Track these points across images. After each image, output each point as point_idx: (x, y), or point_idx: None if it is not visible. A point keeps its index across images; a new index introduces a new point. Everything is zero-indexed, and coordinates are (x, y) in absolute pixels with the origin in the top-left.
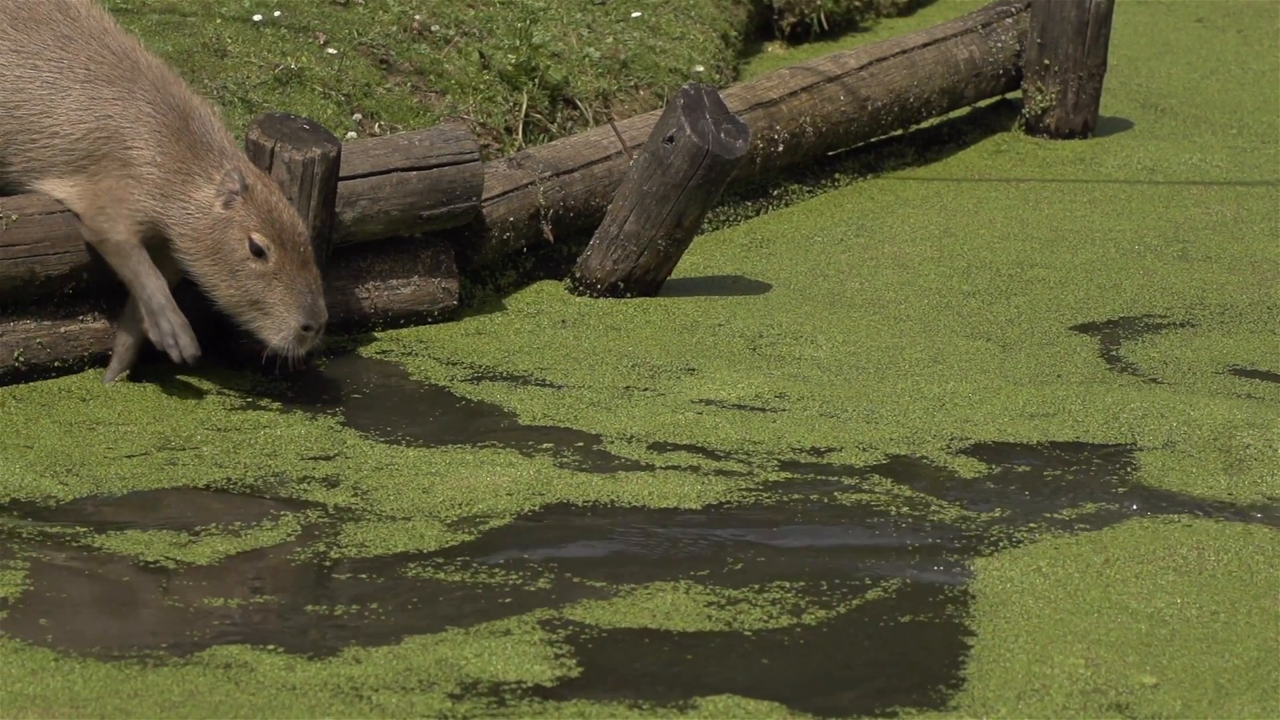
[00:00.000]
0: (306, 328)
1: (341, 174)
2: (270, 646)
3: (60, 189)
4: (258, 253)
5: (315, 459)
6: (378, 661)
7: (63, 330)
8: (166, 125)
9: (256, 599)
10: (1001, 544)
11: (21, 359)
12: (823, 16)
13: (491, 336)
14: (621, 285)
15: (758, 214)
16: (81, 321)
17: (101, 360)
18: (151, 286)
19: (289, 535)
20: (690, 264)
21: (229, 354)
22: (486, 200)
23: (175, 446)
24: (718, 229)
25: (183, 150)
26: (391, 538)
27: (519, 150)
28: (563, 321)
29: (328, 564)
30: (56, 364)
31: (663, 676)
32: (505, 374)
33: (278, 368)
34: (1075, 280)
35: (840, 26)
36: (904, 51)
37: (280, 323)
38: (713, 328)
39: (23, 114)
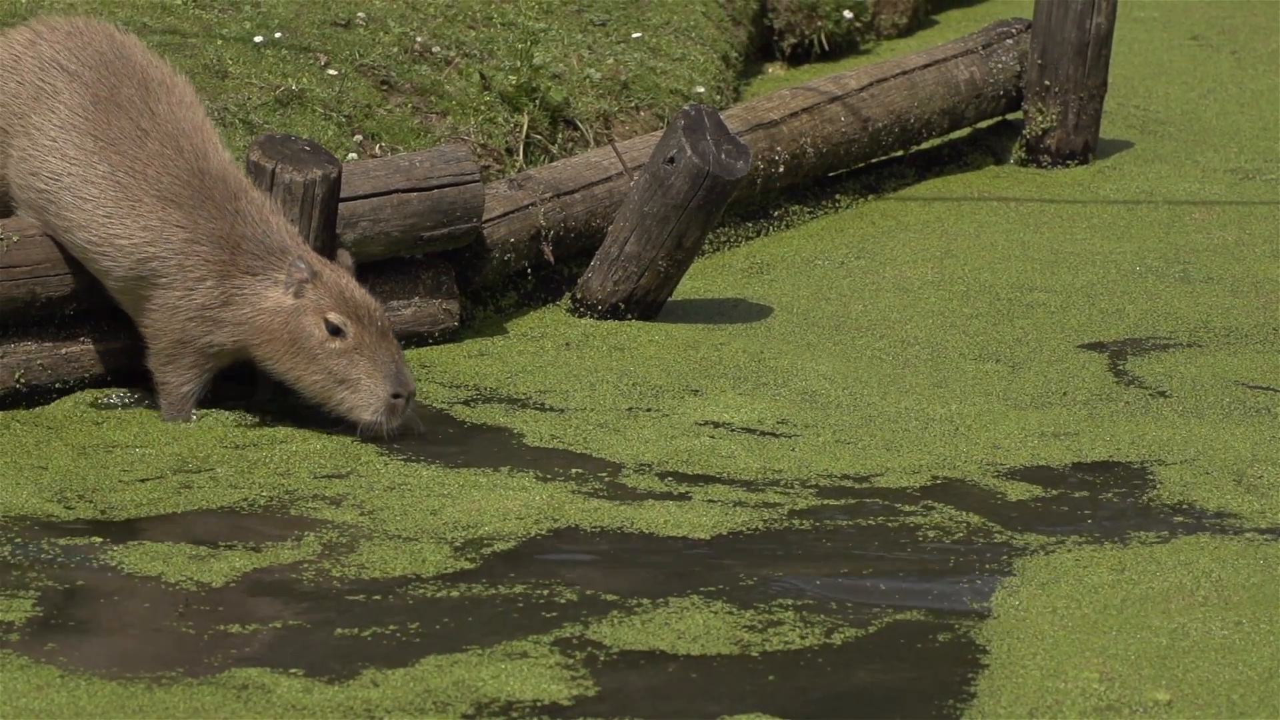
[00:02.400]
0: (396, 395)
1: (342, 195)
2: (286, 669)
3: (132, 312)
4: (335, 331)
5: (329, 477)
6: (395, 683)
7: (63, 351)
8: (224, 260)
9: (274, 622)
10: (1021, 563)
11: (22, 380)
12: (823, 38)
13: (494, 358)
14: (622, 306)
15: (758, 235)
16: (82, 343)
17: (102, 381)
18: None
19: (306, 556)
20: (691, 287)
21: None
22: (487, 221)
23: (191, 469)
24: (718, 250)
25: (242, 276)
26: (409, 558)
27: (520, 171)
28: (566, 344)
29: (346, 586)
30: (57, 385)
31: (681, 697)
32: (509, 396)
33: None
34: (1077, 303)
35: (841, 48)
36: (905, 72)
37: (369, 395)
38: (716, 346)
39: (90, 209)
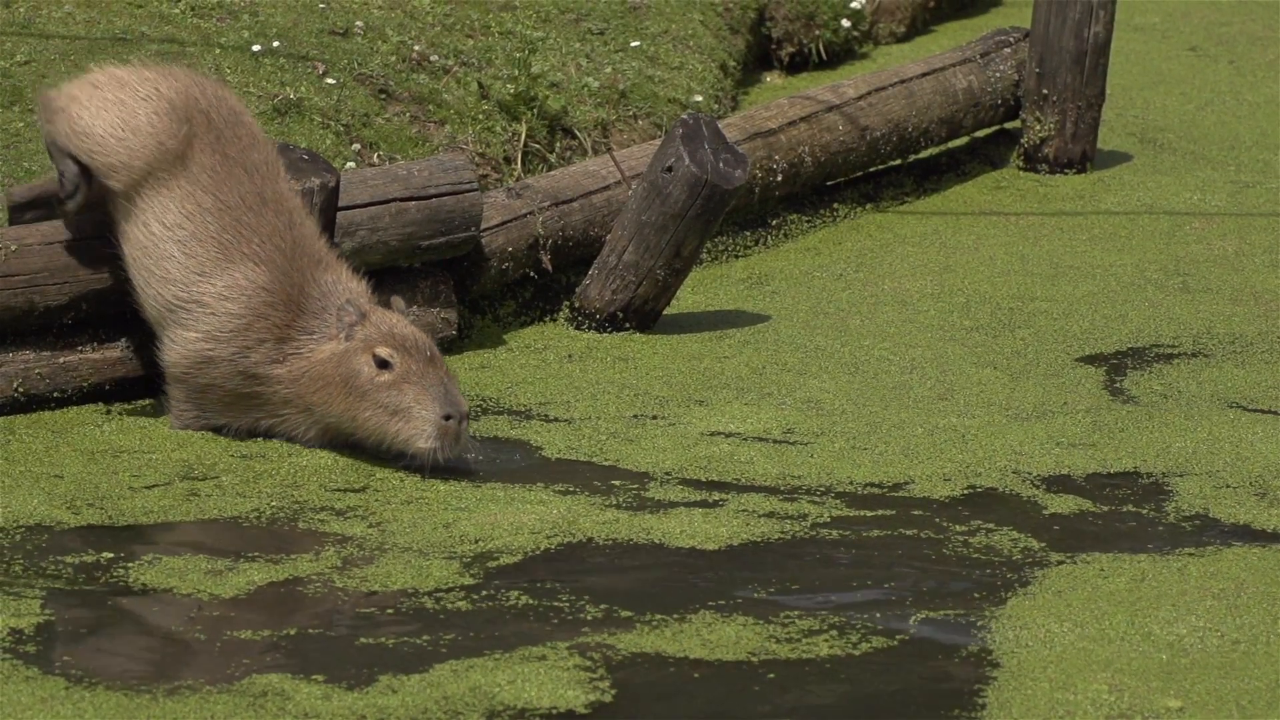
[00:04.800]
0: (447, 416)
1: (340, 204)
2: (303, 676)
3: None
4: (383, 364)
5: (341, 490)
6: (411, 690)
7: (61, 361)
8: (286, 324)
9: (289, 628)
10: (1039, 574)
11: (20, 389)
12: (821, 46)
13: (495, 370)
14: (620, 315)
15: (757, 244)
16: (80, 352)
17: (100, 390)
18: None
19: (323, 567)
20: (691, 301)
21: None
22: (485, 230)
23: (197, 476)
24: (716, 259)
25: (300, 336)
26: (426, 569)
27: (518, 180)
28: (569, 355)
29: (361, 596)
30: (55, 395)
31: (698, 704)
32: (511, 408)
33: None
34: (1079, 312)
35: (838, 56)
36: (902, 81)
37: (421, 421)
38: (718, 358)
39: (190, 265)
